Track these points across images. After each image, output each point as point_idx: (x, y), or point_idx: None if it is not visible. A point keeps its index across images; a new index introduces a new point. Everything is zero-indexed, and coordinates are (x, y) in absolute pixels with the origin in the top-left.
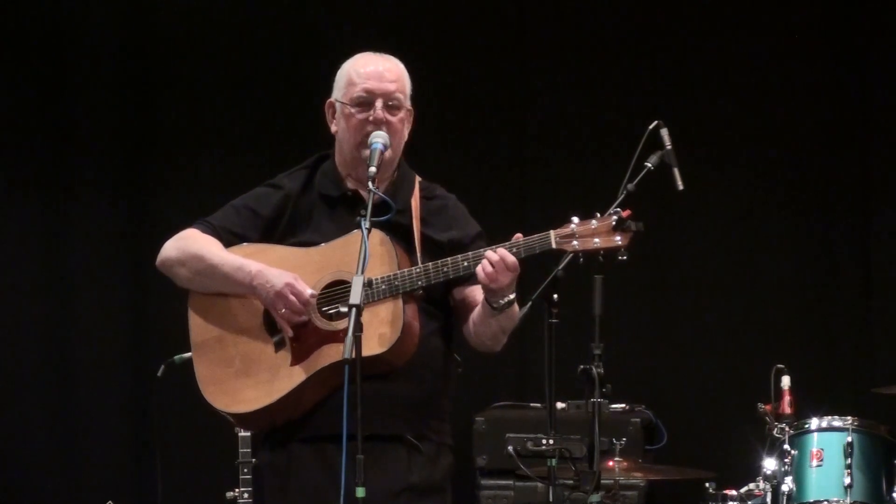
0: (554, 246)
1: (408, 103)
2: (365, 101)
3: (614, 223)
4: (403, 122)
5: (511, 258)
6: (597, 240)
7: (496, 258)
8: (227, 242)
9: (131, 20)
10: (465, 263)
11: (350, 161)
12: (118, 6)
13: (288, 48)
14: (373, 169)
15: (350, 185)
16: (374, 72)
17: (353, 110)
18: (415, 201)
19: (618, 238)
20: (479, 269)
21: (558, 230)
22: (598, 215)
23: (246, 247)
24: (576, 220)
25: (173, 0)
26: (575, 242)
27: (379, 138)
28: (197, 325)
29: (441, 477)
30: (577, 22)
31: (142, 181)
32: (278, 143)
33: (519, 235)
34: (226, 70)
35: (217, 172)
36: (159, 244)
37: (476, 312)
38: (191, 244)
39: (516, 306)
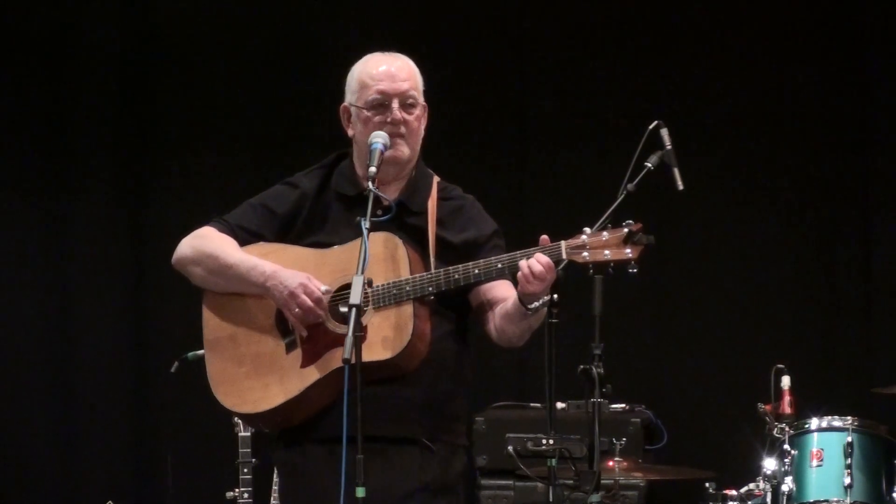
0: (564, 257)
1: (422, 99)
2: (380, 104)
3: (625, 236)
4: (420, 119)
5: (547, 259)
6: (607, 252)
7: (537, 266)
8: (243, 241)
9: (132, 20)
10: (476, 271)
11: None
12: (118, 7)
13: (287, 49)
14: (373, 169)
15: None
16: (386, 72)
17: (369, 114)
18: (431, 203)
19: (628, 251)
20: (520, 275)
21: (569, 241)
22: (610, 227)
23: (261, 246)
24: (587, 231)
25: (173, 1)
26: (585, 254)
27: (379, 138)
28: (210, 324)
29: (453, 478)
30: (577, 22)
31: (142, 181)
32: (278, 144)
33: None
34: (226, 70)
35: (217, 173)
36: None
37: (503, 312)
38: (206, 243)
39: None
